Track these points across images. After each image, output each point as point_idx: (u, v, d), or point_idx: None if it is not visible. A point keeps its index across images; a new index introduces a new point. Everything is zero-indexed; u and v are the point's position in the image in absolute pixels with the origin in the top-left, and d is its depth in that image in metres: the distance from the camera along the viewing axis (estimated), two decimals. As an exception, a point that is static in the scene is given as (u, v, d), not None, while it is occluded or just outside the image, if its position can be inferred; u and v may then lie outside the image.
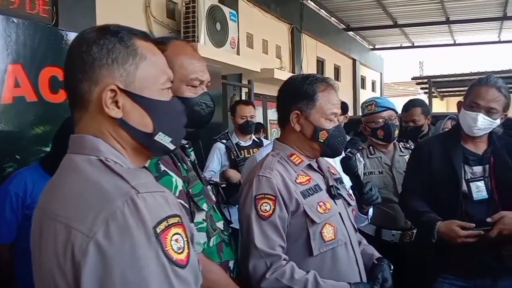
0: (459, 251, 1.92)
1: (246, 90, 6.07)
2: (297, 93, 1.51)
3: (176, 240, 0.75)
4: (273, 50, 7.16)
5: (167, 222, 0.75)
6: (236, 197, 2.54)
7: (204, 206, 1.25)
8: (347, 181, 1.79)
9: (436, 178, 2.03)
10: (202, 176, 1.40)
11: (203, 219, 1.24)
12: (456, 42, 11.27)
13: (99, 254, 0.71)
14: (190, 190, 1.24)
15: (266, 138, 5.43)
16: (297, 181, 1.47)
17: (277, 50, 7.28)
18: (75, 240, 0.73)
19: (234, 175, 3.09)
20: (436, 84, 11.45)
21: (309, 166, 1.54)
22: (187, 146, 1.39)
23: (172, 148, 0.94)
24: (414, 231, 2.52)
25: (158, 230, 0.73)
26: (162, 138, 0.90)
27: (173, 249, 0.74)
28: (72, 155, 0.85)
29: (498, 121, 1.97)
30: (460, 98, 2.17)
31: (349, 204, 1.62)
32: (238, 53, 5.45)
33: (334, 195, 1.52)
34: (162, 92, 0.91)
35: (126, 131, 0.87)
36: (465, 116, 1.99)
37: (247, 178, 1.51)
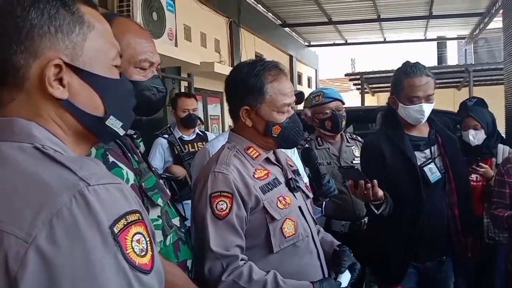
0: (423, 241, 1.98)
1: (185, 84, 5.87)
2: (244, 88, 1.40)
3: (138, 241, 0.63)
4: (211, 44, 7.01)
5: (126, 220, 0.62)
6: (183, 194, 2.41)
7: (159, 201, 1.13)
8: (302, 172, 1.75)
9: (393, 172, 2.02)
10: (154, 168, 1.27)
11: (158, 216, 1.12)
12: (386, 40, 11.79)
13: (42, 263, 0.57)
14: (142, 183, 1.11)
15: (207, 131, 5.30)
16: (255, 176, 1.38)
17: (215, 44, 7.13)
18: (8, 247, 0.58)
19: (179, 171, 2.95)
20: (367, 80, 11.91)
21: (267, 159, 1.46)
22: (135, 136, 1.25)
23: (121, 134, 0.82)
24: (363, 220, 2.54)
25: (115, 230, 0.60)
26: (113, 122, 0.78)
27: (134, 252, 0.62)
28: None
29: (434, 102, 2.05)
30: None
31: (307, 196, 1.57)
32: (176, 45, 5.25)
33: (293, 188, 1.46)
34: (112, 68, 0.78)
35: (72, 115, 0.73)
36: (408, 111, 2.03)
37: (201, 174, 1.40)
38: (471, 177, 2.65)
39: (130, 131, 1.23)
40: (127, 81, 0.84)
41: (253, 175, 1.38)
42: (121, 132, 0.81)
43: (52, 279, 0.57)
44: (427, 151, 2.07)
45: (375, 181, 1.85)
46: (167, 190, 1.22)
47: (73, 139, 0.75)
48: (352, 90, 15.34)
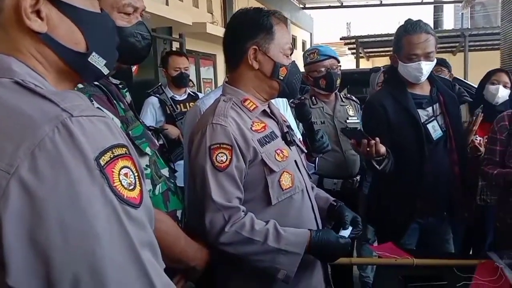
0: (426, 198, 2.01)
1: (177, 45, 5.75)
2: (254, 26, 1.37)
3: (126, 175, 0.60)
4: (204, 4, 6.84)
5: (112, 153, 0.60)
6: (177, 153, 2.38)
7: (148, 150, 1.10)
8: (295, 129, 1.73)
9: (397, 129, 2.01)
10: (141, 120, 1.24)
11: (146, 165, 1.10)
12: (383, 3, 11.57)
13: (26, 194, 0.55)
14: (130, 132, 1.07)
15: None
16: (253, 128, 1.35)
17: (208, 4, 6.96)
18: None
19: (172, 130, 2.92)
20: (363, 45, 11.77)
21: (263, 112, 1.43)
22: (121, 86, 1.21)
23: (106, 73, 0.78)
24: (355, 178, 2.55)
25: (101, 162, 0.58)
26: (96, 60, 0.74)
27: (122, 185, 0.60)
28: None
29: (435, 60, 2.02)
30: (385, 59, 2.18)
31: (302, 151, 1.56)
32: (167, 4, 5.11)
33: (290, 141, 1.44)
34: (93, 1, 0.74)
35: (53, 50, 0.69)
36: (407, 69, 2.02)
37: (198, 127, 1.37)
38: (476, 139, 2.57)
39: (116, 81, 1.20)
40: (109, 16, 0.80)
41: (251, 128, 1.35)
42: (105, 71, 0.77)
43: (36, 211, 0.55)
44: (429, 109, 2.06)
45: (377, 139, 1.84)
46: (155, 141, 1.19)
47: (55, 76, 0.71)
48: (347, 54, 15.17)
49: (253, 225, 1.27)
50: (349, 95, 2.75)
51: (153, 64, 4.57)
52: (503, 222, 2.13)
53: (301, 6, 12.31)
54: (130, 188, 0.61)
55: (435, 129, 2.01)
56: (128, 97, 1.22)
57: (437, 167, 2.01)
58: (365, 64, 14.51)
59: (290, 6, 11.36)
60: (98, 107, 1.00)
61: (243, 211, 1.29)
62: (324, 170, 2.47)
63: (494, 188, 2.34)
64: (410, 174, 1.99)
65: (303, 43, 13.41)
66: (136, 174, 0.62)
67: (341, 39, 12.53)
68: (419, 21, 2.03)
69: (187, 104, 3.24)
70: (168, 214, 1.16)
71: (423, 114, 2.04)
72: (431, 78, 2.10)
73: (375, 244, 2.69)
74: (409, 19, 2.08)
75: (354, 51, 12.12)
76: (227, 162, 1.27)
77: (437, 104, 2.08)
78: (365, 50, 12.82)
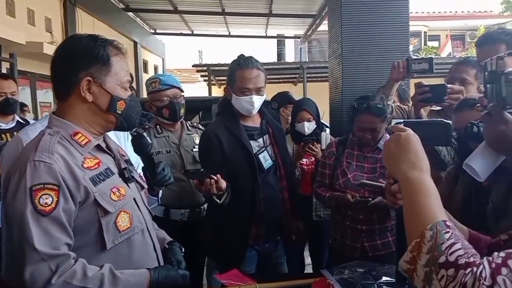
0: (260, 224, 2.10)
1: (7, 65, 5.12)
2: (88, 56, 1.27)
3: None
4: (41, 23, 6.27)
5: None
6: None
7: None
8: (135, 162, 1.65)
9: (231, 159, 2.08)
10: None
11: None
12: (231, 34, 12.15)
13: None
14: None
15: (35, 120, 4.73)
16: (85, 165, 1.24)
17: (46, 23, 6.40)
18: None
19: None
20: (214, 72, 12.15)
21: (98, 147, 1.32)
22: None
23: None
24: (203, 207, 2.55)
25: None
26: None
27: None
28: None
29: (265, 95, 2.16)
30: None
31: (142, 187, 1.48)
32: (-6, 20, 4.54)
33: (128, 178, 1.36)
34: None
35: None
36: (240, 102, 2.12)
37: (15, 164, 1.20)
38: (303, 162, 2.87)
39: None
40: None
41: (82, 165, 1.23)
42: None
43: None
44: (260, 140, 2.19)
45: (219, 176, 1.88)
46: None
47: None
48: (200, 81, 15.48)
49: (85, 272, 1.15)
50: (195, 124, 2.76)
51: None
52: (334, 239, 2.36)
53: (152, 31, 12.20)
54: None
55: (265, 159, 2.14)
56: None
57: (269, 194, 2.13)
58: (217, 91, 14.99)
59: (140, 30, 11.17)
60: None
61: (73, 258, 1.16)
62: (170, 201, 2.41)
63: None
64: (244, 202, 2.07)
65: (155, 68, 13.27)
66: None
67: (193, 66, 12.73)
68: (251, 57, 2.15)
69: (15, 133, 2.87)
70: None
71: (254, 145, 2.15)
72: (261, 111, 2.24)
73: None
74: (242, 55, 2.18)
75: (207, 78, 12.42)
76: (53, 205, 1.13)
77: (267, 135, 2.22)
78: (217, 78, 13.26)
